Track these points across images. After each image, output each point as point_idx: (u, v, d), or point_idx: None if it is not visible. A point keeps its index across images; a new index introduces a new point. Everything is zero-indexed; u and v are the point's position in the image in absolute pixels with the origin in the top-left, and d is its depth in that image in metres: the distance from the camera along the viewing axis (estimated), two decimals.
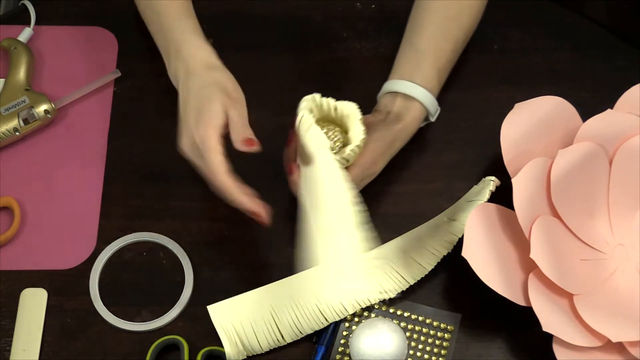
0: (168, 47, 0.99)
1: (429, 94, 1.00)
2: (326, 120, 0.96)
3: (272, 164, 1.04)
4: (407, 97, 0.99)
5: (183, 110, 0.94)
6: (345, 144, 0.95)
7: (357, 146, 0.93)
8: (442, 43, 1.01)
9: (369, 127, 0.95)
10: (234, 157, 1.01)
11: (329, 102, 0.94)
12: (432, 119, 1.02)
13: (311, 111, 0.93)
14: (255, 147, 0.90)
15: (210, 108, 0.91)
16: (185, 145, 0.93)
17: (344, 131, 0.95)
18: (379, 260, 0.97)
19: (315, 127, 0.92)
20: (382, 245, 0.99)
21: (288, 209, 1.02)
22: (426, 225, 1.00)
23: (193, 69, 0.95)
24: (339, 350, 0.94)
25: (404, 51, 1.02)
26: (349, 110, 0.94)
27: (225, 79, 0.94)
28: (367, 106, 1.07)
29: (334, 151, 0.94)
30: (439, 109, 1.02)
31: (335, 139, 0.95)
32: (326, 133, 0.94)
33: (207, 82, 0.93)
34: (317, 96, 0.94)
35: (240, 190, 0.91)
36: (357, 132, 0.94)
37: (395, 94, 1.00)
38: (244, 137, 0.90)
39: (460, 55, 1.08)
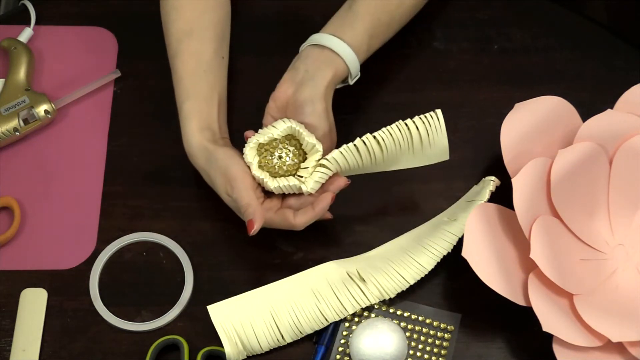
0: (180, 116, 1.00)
1: (354, 55, 0.98)
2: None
3: None
4: (332, 53, 0.97)
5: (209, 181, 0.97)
6: (300, 147, 0.95)
7: (317, 160, 0.94)
8: (379, 14, 1.00)
9: (308, 115, 0.95)
10: None
11: (267, 135, 0.94)
12: (351, 82, 1.00)
13: (255, 155, 0.94)
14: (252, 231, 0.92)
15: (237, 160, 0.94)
16: (225, 200, 0.96)
17: (295, 139, 0.96)
18: (379, 260, 0.97)
19: (270, 182, 0.93)
20: (382, 245, 1.00)
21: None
22: (426, 225, 1.00)
23: (196, 157, 0.97)
24: (339, 350, 0.94)
25: (341, 11, 1.01)
26: (286, 132, 0.94)
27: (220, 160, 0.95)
28: (367, 105, 1.07)
29: (296, 165, 0.95)
30: (359, 74, 1.00)
31: (289, 158, 0.95)
32: (279, 156, 0.94)
33: (213, 174, 0.95)
34: (252, 143, 0.94)
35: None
36: (309, 146, 0.94)
37: (320, 47, 0.98)
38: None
39: (461, 55, 1.08)
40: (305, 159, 0.95)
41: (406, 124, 0.93)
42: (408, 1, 1.03)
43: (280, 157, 0.94)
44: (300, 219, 0.93)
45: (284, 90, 0.97)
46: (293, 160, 0.95)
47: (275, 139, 0.95)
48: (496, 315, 0.95)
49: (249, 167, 0.94)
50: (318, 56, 0.98)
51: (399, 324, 0.95)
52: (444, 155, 0.96)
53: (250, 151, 0.94)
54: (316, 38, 0.99)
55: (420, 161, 0.97)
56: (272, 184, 0.93)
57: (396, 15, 1.02)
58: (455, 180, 1.03)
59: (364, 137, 0.93)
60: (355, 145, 0.93)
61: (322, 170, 0.94)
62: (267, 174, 0.94)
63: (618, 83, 1.02)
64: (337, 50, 0.97)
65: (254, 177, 0.94)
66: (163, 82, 1.07)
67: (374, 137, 0.93)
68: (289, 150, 0.95)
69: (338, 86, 1.01)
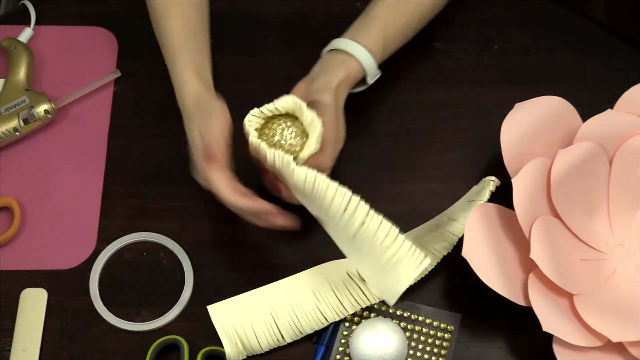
0: (173, 80, 1.00)
1: (369, 55, 0.99)
2: (277, 116, 0.95)
3: None
4: (347, 55, 0.99)
5: (189, 128, 0.96)
6: (303, 131, 0.94)
7: (317, 138, 0.93)
8: (396, 14, 1.01)
9: (316, 107, 0.94)
10: (234, 160, 1.01)
11: (268, 107, 0.93)
12: (369, 82, 1.01)
13: (257, 129, 0.93)
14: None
15: (212, 119, 0.93)
16: (194, 173, 0.95)
17: (295, 118, 0.95)
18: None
19: (266, 147, 0.91)
20: None
21: (288, 209, 1.02)
22: (426, 225, 1.00)
23: (187, 108, 0.97)
24: (339, 350, 0.94)
25: (358, 18, 1.03)
26: (288, 104, 0.93)
27: (208, 110, 0.95)
28: (367, 105, 1.07)
29: (297, 147, 0.94)
30: (379, 73, 1.01)
31: (291, 136, 0.94)
32: (281, 133, 0.94)
33: (196, 119, 0.95)
34: (254, 111, 0.93)
35: (247, 199, 0.92)
36: (308, 120, 0.93)
37: (336, 51, 0.99)
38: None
39: (461, 55, 1.08)
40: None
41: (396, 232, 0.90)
42: (426, 1, 1.03)
43: (282, 134, 0.94)
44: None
45: (298, 87, 0.98)
46: (295, 140, 0.94)
47: (279, 118, 0.94)
48: (496, 315, 0.95)
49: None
50: (332, 58, 0.99)
51: (399, 324, 0.95)
52: (392, 299, 0.94)
53: (252, 118, 0.93)
54: (333, 43, 1.00)
55: (372, 278, 0.95)
56: (268, 151, 0.90)
57: (414, 16, 1.03)
58: (455, 180, 1.03)
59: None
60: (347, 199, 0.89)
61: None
62: (265, 143, 0.92)
63: (618, 83, 1.02)
64: (350, 52, 0.98)
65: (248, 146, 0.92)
66: (163, 82, 1.07)
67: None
68: (292, 130, 0.94)
69: (359, 89, 1.02)
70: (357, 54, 0.99)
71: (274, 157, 0.90)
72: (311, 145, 0.92)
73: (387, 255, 0.90)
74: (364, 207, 0.88)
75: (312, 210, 0.93)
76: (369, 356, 0.89)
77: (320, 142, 0.93)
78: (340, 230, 0.91)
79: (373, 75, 1.01)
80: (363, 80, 1.01)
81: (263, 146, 0.91)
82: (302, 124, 0.94)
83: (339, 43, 1.00)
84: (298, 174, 0.88)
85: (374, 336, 0.90)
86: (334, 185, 0.88)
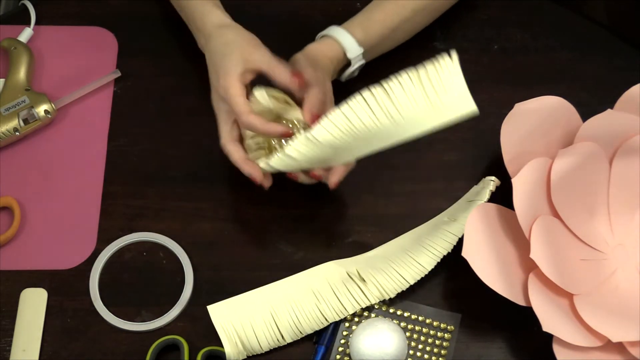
0: (191, 26, 1.03)
1: (344, 31, 1.01)
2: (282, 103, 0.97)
3: None
4: (325, 37, 1.01)
5: (210, 73, 0.98)
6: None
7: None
8: (385, 3, 1.04)
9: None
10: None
11: (274, 98, 0.95)
12: (350, 55, 1.01)
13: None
14: (283, 127, 0.93)
15: (227, 61, 0.95)
16: (214, 101, 0.97)
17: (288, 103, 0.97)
18: (379, 260, 0.98)
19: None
20: (382, 245, 1.00)
21: (288, 209, 1.02)
22: (426, 225, 1.00)
23: (209, 33, 0.98)
24: (339, 350, 0.94)
25: None
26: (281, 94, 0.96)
27: (236, 32, 0.97)
28: None
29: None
30: (359, 52, 1.01)
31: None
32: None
33: (221, 41, 0.97)
34: (263, 95, 0.95)
35: (266, 123, 0.93)
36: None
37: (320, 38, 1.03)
38: (289, 72, 0.94)
39: (461, 55, 1.08)
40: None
41: (415, 69, 0.86)
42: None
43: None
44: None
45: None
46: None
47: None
48: (496, 315, 0.95)
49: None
50: (316, 43, 1.01)
51: (399, 324, 0.95)
52: (468, 104, 0.85)
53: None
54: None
55: (442, 116, 0.86)
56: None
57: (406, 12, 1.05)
58: (455, 180, 1.03)
59: (369, 89, 0.87)
60: (363, 98, 0.86)
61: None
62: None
63: (618, 83, 1.02)
64: (326, 33, 1.01)
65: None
66: (163, 82, 1.07)
67: (382, 86, 0.86)
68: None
69: (349, 70, 1.02)
70: (334, 33, 1.01)
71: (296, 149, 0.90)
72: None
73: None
74: (375, 93, 0.87)
75: (354, 150, 0.91)
76: (369, 356, 0.89)
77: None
78: (395, 127, 0.87)
79: (353, 52, 1.01)
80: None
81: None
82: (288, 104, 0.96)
83: (323, 32, 1.02)
84: (320, 131, 0.88)
85: (374, 336, 0.90)
86: (345, 109, 0.87)
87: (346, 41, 1.01)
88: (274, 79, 0.95)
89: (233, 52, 0.95)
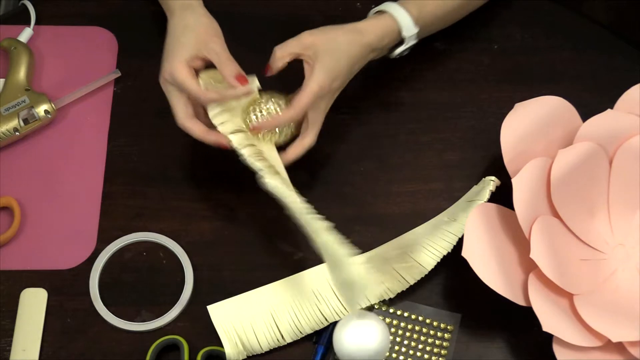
0: (162, 2, 1.02)
1: (401, 8, 1.00)
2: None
3: None
4: (379, 12, 1.01)
5: (163, 52, 0.98)
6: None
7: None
8: None
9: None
10: (235, 160, 1.01)
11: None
12: (405, 34, 1.01)
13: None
14: (245, 86, 0.93)
15: (180, 46, 0.95)
16: (163, 82, 0.97)
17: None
18: (379, 260, 0.98)
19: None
20: (382, 245, 1.00)
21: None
22: (426, 225, 1.00)
23: (172, 12, 0.99)
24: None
25: None
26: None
27: (196, 17, 0.97)
28: (367, 106, 1.07)
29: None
30: (416, 29, 1.01)
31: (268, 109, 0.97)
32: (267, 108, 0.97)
33: (180, 24, 0.97)
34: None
35: (201, 129, 0.96)
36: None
37: (373, 14, 1.02)
38: (235, 73, 0.94)
39: (461, 55, 1.08)
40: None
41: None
42: None
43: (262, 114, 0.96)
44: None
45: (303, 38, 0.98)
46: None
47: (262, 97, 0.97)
48: (496, 315, 0.95)
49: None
50: (371, 20, 1.01)
51: (398, 324, 0.95)
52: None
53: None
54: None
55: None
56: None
57: None
58: (455, 180, 1.03)
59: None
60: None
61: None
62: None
63: (618, 83, 1.02)
64: (381, 9, 1.00)
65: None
66: None
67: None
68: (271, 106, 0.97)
69: (401, 48, 1.02)
70: (388, 8, 1.00)
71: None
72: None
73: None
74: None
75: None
76: (351, 351, 0.89)
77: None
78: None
79: (408, 27, 1.00)
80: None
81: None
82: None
83: (377, 7, 1.02)
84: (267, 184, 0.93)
85: (354, 329, 0.90)
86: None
87: (403, 19, 1.00)
88: (220, 72, 0.95)
89: (188, 38, 0.95)
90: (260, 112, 0.97)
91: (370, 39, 0.98)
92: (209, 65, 0.97)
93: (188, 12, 0.98)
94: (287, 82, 0.98)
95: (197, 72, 0.96)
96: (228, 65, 0.94)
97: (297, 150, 0.97)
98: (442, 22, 1.05)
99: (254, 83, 0.96)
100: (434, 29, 1.05)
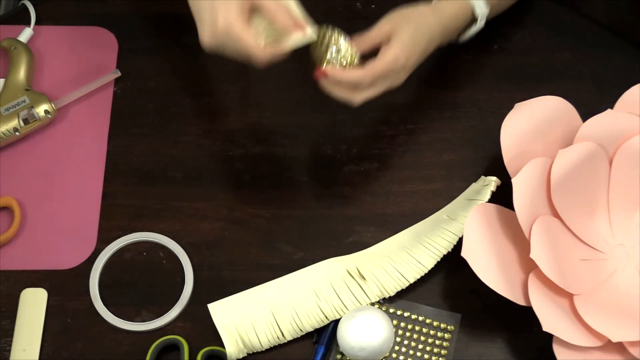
0: None
1: None
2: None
3: (273, 163, 1.04)
4: None
5: (197, 10, 0.92)
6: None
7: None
8: None
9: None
10: (235, 160, 1.02)
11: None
12: (479, 11, 1.01)
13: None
14: (308, 31, 0.91)
15: (224, 1, 0.89)
16: (210, 40, 0.91)
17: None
18: (379, 258, 0.98)
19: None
20: (382, 242, 1.00)
21: (288, 209, 1.02)
22: (426, 222, 1.00)
23: None
24: (339, 350, 0.94)
25: None
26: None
27: None
28: (367, 106, 1.07)
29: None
30: (486, 11, 1.01)
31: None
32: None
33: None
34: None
35: (280, 50, 0.91)
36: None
37: None
38: (291, 21, 0.91)
39: (461, 55, 1.08)
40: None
41: None
42: None
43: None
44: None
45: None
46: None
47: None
48: (496, 315, 0.95)
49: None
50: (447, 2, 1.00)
51: (398, 324, 0.95)
52: None
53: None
54: None
55: None
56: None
57: None
58: (455, 180, 1.03)
59: None
60: None
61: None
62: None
63: (618, 83, 1.02)
64: None
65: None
66: (163, 82, 1.07)
67: None
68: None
69: (471, 31, 1.02)
70: None
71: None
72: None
73: None
74: None
75: None
76: (354, 343, 0.90)
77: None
78: None
79: (480, 6, 1.00)
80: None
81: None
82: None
83: None
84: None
85: (359, 323, 0.90)
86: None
87: (478, 3, 1.00)
88: (274, 19, 0.91)
89: None
90: (337, 50, 0.94)
91: (448, 17, 0.99)
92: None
93: None
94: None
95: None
96: (282, 14, 0.91)
97: (338, 73, 0.94)
98: (504, 3, 1.05)
99: (311, 29, 0.93)
100: (497, 10, 1.05)
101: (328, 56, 0.94)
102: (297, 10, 0.94)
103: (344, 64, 0.94)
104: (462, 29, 1.03)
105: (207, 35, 0.91)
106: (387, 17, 0.96)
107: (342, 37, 0.94)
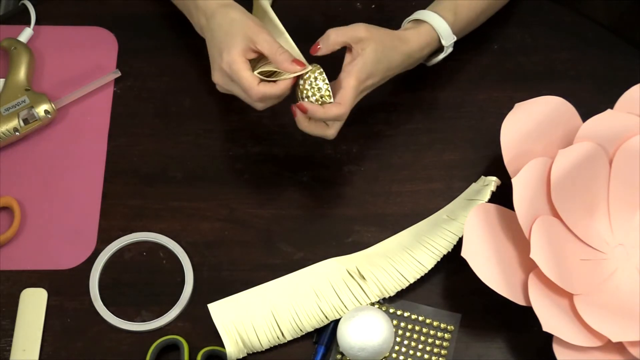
0: (189, 7, 1.02)
1: (439, 17, 1.00)
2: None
3: (273, 163, 1.04)
4: (417, 21, 1.01)
5: (210, 50, 0.97)
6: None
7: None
8: None
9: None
10: (235, 160, 1.02)
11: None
12: (445, 43, 1.01)
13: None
14: (304, 68, 0.94)
15: (231, 38, 0.95)
16: (218, 78, 0.96)
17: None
18: (379, 257, 0.98)
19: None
20: (382, 242, 1.00)
21: (288, 209, 1.02)
22: (426, 222, 1.00)
23: (211, 12, 0.98)
24: (339, 350, 0.94)
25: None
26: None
27: (241, 12, 0.97)
28: (367, 105, 1.07)
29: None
30: (454, 37, 1.02)
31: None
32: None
33: (225, 20, 0.96)
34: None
35: (273, 87, 0.94)
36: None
37: (409, 22, 1.02)
38: (292, 58, 0.94)
39: (460, 55, 1.08)
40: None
41: None
42: None
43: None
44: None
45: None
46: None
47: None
48: (496, 315, 0.95)
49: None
50: (406, 27, 1.02)
51: (398, 324, 0.95)
52: None
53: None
54: (409, 18, 1.03)
55: None
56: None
57: None
58: (455, 180, 1.03)
59: None
60: None
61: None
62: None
63: (618, 83, 1.02)
64: (420, 17, 1.01)
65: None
66: (163, 82, 1.07)
67: None
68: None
69: (438, 58, 1.03)
70: (426, 17, 1.00)
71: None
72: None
73: None
74: None
75: None
76: (354, 343, 0.90)
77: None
78: None
79: (446, 37, 1.01)
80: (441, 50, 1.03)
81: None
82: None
83: (412, 16, 1.02)
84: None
85: (359, 323, 0.90)
86: None
87: (442, 28, 1.01)
88: (275, 63, 0.94)
89: (238, 30, 0.95)
90: (310, 86, 0.95)
91: (412, 48, 0.99)
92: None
93: (230, 9, 0.98)
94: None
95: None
96: (283, 53, 0.94)
97: (319, 111, 0.95)
98: (472, 26, 1.06)
99: (308, 67, 0.95)
100: (465, 33, 1.06)
101: (305, 94, 0.95)
102: (295, 48, 0.97)
103: (319, 101, 0.95)
104: (427, 56, 1.03)
105: (215, 74, 0.96)
106: (367, 28, 0.96)
107: (320, 76, 0.95)
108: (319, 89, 0.94)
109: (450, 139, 1.05)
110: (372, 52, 0.95)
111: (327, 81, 0.94)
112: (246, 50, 0.94)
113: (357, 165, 1.04)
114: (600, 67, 1.09)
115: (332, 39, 0.96)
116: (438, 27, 1.00)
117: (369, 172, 1.04)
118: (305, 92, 0.95)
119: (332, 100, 0.94)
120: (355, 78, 0.95)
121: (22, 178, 1.04)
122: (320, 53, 0.96)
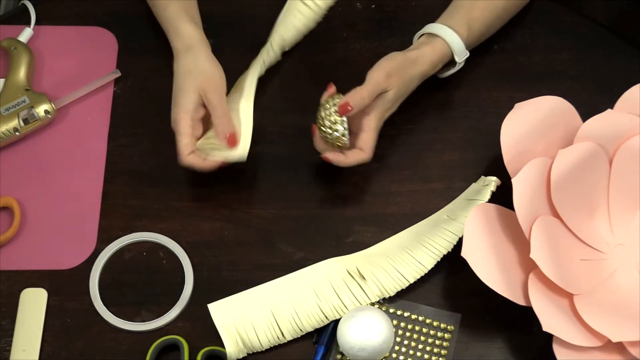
0: (168, 37, 1.04)
1: (453, 33, 1.00)
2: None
3: (273, 163, 1.04)
4: (431, 35, 1.01)
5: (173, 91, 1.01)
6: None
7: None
8: (479, 1, 1.03)
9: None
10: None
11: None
12: (457, 59, 1.02)
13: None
14: (237, 151, 0.97)
15: (185, 93, 0.98)
16: (171, 122, 1.00)
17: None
18: (379, 257, 0.98)
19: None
20: (382, 242, 1.00)
21: (288, 209, 1.02)
22: (426, 222, 1.00)
23: (177, 52, 1.01)
24: (339, 350, 0.94)
25: (446, 9, 1.05)
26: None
27: (199, 62, 0.99)
28: None
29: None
30: (467, 53, 1.02)
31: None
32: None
33: (183, 68, 0.99)
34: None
35: (200, 161, 0.98)
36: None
37: (422, 35, 1.02)
38: (228, 132, 0.97)
39: None
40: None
41: None
42: None
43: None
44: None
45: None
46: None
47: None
48: (496, 315, 0.95)
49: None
50: (420, 41, 1.03)
51: (398, 324, 0.95)
52: None
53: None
54: (422, 30, 1.03)
55: None
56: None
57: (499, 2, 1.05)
58: (455, 180, 1.03)
59: None
60: None
61: None
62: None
63: (618, 83, 1.02)
64: (434, 32, 1.01)
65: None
66: (163, 82, 1.07)
67: None
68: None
69: (450, 71, 1.04)
70: (440, 32, 1.00)
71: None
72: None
73: None
74: None
75: None
76: (354, 343, 0.90)
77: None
78: None
79: (460, 52, 1.01)
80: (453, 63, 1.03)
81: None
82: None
83: (425, 29, 1.02)
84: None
85: (359, 323, 0.90)
86: None
87: (456, 44, 1.01)
88: (214, 125, 0.97)
89: (191, 84, 0.98)
90: (330, 126, 0.97)
91: (425, 68, 1.01)
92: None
93: (190, 55, 1.00)
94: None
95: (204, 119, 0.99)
96: (222, 123, 0.97)
97: (342, 160, 0.98)
98: (482, 39, 1.06)
99: (245, 152, 0.97)
100: (475, 46, 1.06)
101: (321, 122, 0.97)
102: (247, 121, 0.99)
103: (333, 130, 0.97)
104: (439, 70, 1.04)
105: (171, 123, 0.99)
106: (383, 72, 0.97)
107: (337, 115, 0.97)
108: (332, 124, 0.97)
109: (450, 139, 1.05)
110: (392, 94, 0.98)
111: (340, 118, 0.96)
112: (195, 109, 0.98)
113: (357, 166, 1.04)
114: (600, 67, 1.09)
115: (365, 102, 0.96)
116: (452, 42, 1.01)
117: (369, 172, 1.04)
118: (321, 120, 0.97)
119: (345, 131, 0.96)
120: (377, 119, 0.98)
121: (22, 178, 1.04)
122: (351, 113, 0.96)
